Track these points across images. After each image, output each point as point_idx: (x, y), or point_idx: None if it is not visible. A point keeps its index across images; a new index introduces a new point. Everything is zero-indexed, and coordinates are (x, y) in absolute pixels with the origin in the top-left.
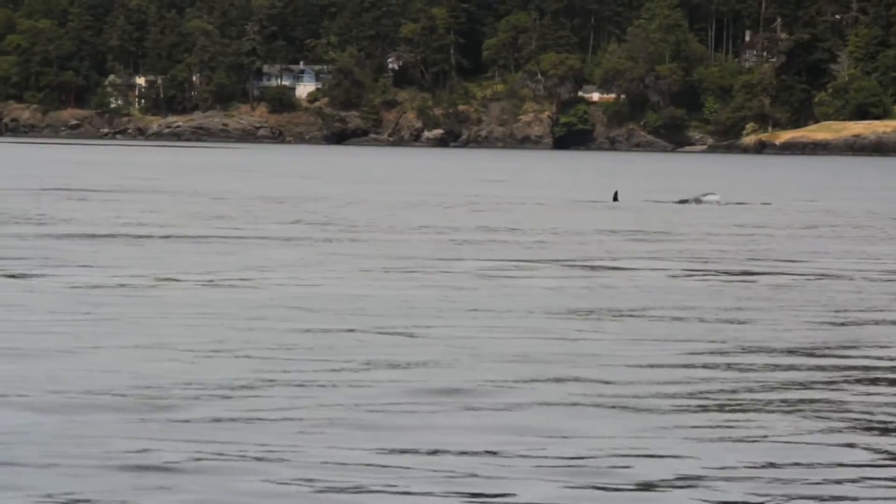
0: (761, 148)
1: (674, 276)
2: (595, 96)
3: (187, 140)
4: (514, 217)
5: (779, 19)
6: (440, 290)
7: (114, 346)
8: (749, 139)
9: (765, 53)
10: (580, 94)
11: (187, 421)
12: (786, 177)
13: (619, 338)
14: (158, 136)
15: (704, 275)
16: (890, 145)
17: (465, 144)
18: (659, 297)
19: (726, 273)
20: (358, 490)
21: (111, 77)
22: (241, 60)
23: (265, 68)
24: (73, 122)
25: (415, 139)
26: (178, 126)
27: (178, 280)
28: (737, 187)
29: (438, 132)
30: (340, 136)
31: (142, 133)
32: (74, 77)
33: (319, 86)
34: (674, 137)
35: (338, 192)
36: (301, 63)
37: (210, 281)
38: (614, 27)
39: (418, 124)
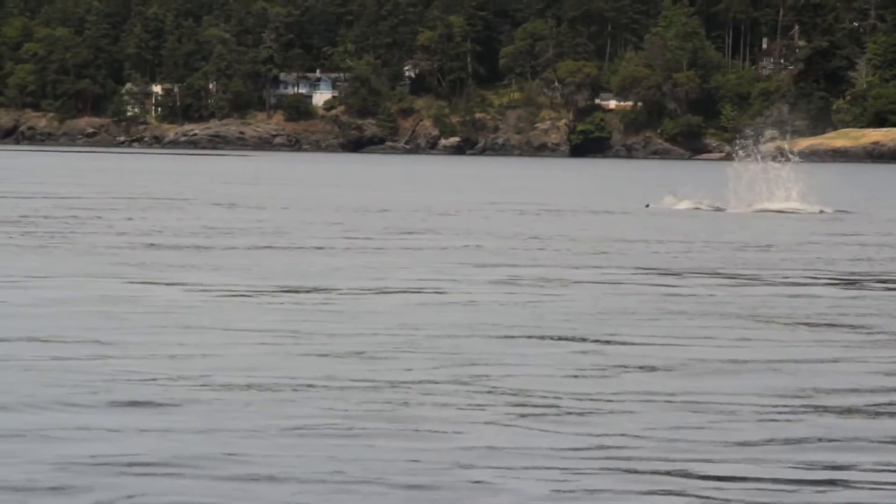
0: (780, 155)
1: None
2: (612, 104)
3: (203, 148)
4: (602, 224)
5: (796, 27)
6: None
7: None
8: (767, 147)
9: (782, 61)
10: (597, 101)
11: None
12: (840, 184)
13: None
14: (175, 144)
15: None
16: None
17: (482, 152)
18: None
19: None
20: None
21: (128, 85)
22: (257, 68)
23: (282, 76)
24: (90, 130)
25: (431, 147)
26: (195, 134)
27: (386, 292)
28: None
29: (455, 140)
30: (357, 144)
31: (158, 141)
32: (91, 85)
33: (336, 94)
34: (691, 145)
35: (411, 199)
36: (318, 71)
37: (411, 289)
38: (631, 35)
39: (435, 132)
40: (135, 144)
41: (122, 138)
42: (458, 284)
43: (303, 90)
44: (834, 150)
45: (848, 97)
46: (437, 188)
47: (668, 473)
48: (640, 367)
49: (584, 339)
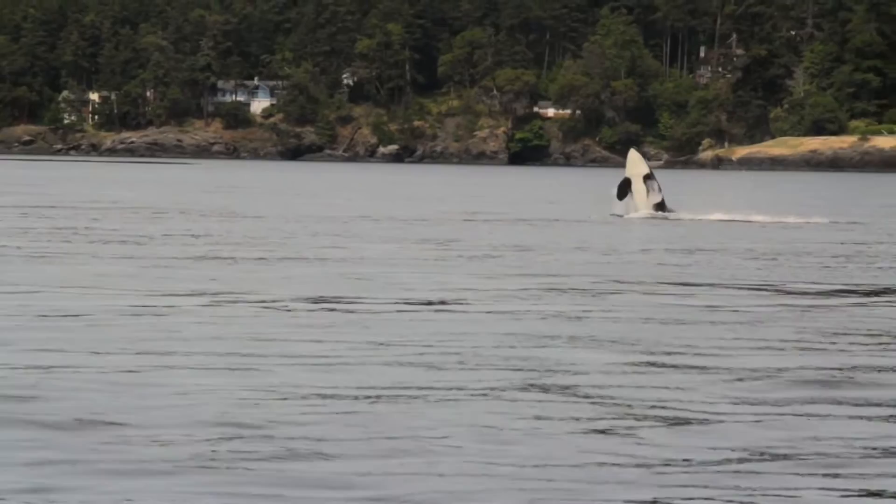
0: (718, 163)
1: None
2: (550, 112)
3: (141, 156)
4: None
5: (734, 35)
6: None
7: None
8: (706, 155)
9: (720, 69)
10: (536, 109)
11: None
12: (800, 192)
13: None
14: (112, 152)
15: None
16: (846, 161)
17: (421, 160)
18: None
19: None
20: None
21: (65, 93)
22: (195, 76)
23: (220, 84)
24: (27, 137)
25: (370, 155)
26: (132, 142)
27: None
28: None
29: (394, 148)
30: (295, 152)
31: (95, 149)
32: (27, 92)
33: (274, 101)
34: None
35: (407, 208)
36: (256, 79)
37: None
38: (570, 43)
39: (373, 140)
40: (72, 152)
41: (59, 146)
42: (488, 294)
43: (241, 98)
44: (772, 159)
45: (786, 105)
46: (423, 197)
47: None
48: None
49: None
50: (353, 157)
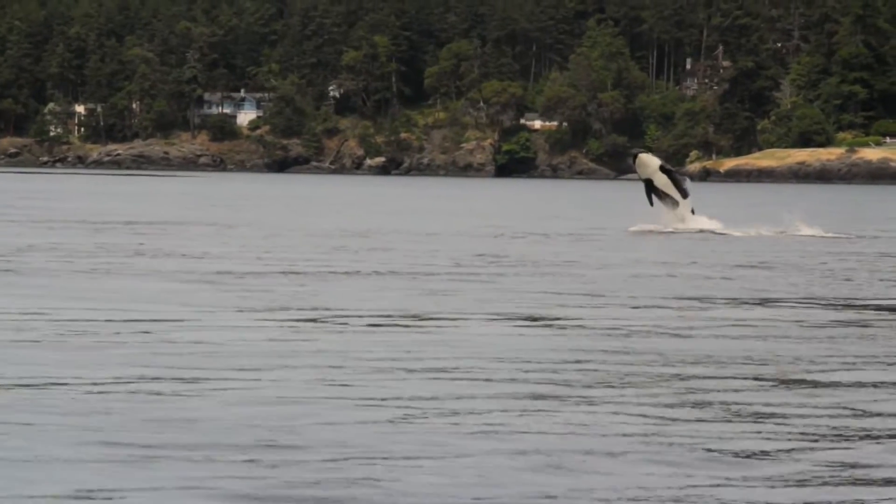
0: (706, 175)
1: None
2: (537, 124)
3: (128, 168)
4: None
5: (720, 47)
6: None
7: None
8: (693, 166)
9: (706, 81)
10: (522, 121)
11: None
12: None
13: None
14: (98, 164)
15: None
16: (833, 172)
17: (407, 172)
18: None
19: None
20: None
21: (50, 105)
22: (181, 88)
23: (206, 96)
24: (13, 150)
25: (356, 167)
26: (119, 154)
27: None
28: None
29: (380, 160)
30: (282, 164)
31: (81, 161)
32: (13, 105)
33: (261, 114)
34: (616, 165)
35: (434, 224)
36: (242, 91)
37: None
38: (556, 55)
39: (360, 152)
40: (58, 165)
41: (45, 158)
42: (583, 311)
43: (227, 110)
44: (759, 171)
45: (773, 117)
46: (438, 212)
47: None
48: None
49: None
50: (340, 170)
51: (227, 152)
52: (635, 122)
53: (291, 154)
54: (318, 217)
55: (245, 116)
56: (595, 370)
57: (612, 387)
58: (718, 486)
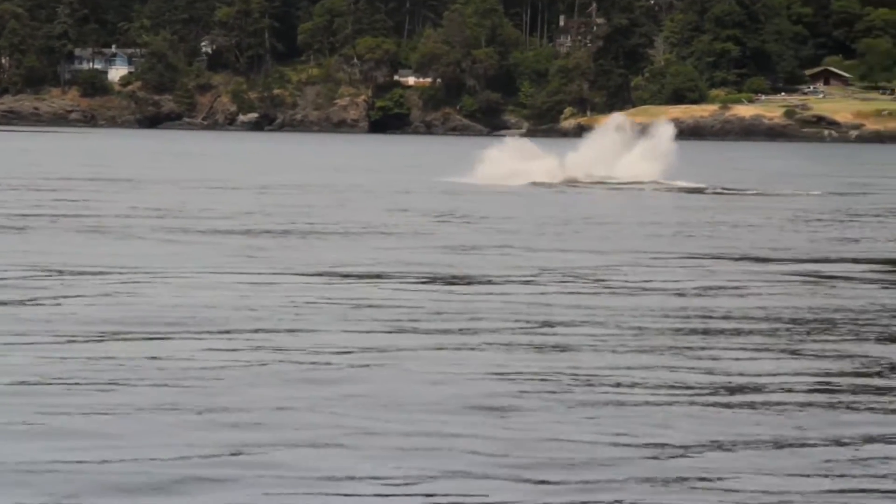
0: (580, 131)
1: None
2: (411, 80)
3: None
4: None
5: (594, 4)
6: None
7: None
8: (568, 123)
9: (580, 38)
10: (396, 78)
11: None
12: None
13: None
14: None
15: None
16: (707, 129)
17: (281, 128)
18: None
19: None
20: None
21: None
22: (51, 44)
23: (77, 52)
24: None
25: (229, 123)
26: None
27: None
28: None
29: (253, 116)
30: (154, 120)
31: None
32: None
33: (132, 69)
34: (490, 122)
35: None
36: (113, 47)
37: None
38: (430, 11)
39: (233, 108)
40: None
41: None
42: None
43: (98, 66)
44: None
45: (646, 74)
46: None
47: None
48: None
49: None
50: (213, 126)
51: (98, 108)
52: (509, 79)
53: (163, 110)
54: (276, 173)
55: (116, 72)
56: None
57: None
58: None
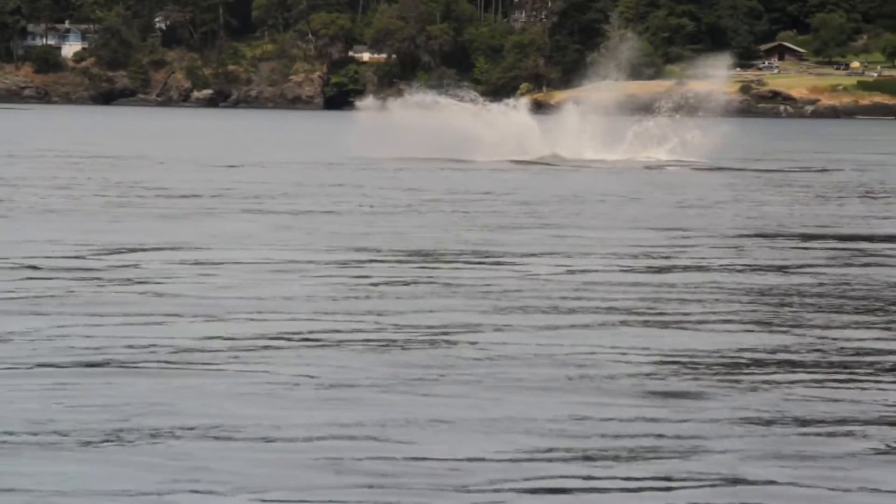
0: (537, 107)
1: None
2: (366, 56)
3: None
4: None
5: None
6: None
7: None
8: (523, 99)
9: (535, 13)
10: (351, 53)
11: None
12: None
13: None
14: None
15: None
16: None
17: (235, 105)
18: None
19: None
20: None
21: None
22: (4, 19)
23: (30, 27)
24: None
25: (184, 99)
26: None
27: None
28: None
29: (208, 92)
30: (108, 97)
31: None
32: None
33: (86, 45)
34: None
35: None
36: (67, 22)
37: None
38: None
39: (187, 84)
40: None
41: None
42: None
43: (51, 41)
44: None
45: (602, 50)
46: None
47: None
48: None
49: None
50: (167, 102)
51: (51, 84)
52: (464, 55)
53: (117, 86)
54: (271, 151)
55: (70, 48)
56: None
57: None
58: None
